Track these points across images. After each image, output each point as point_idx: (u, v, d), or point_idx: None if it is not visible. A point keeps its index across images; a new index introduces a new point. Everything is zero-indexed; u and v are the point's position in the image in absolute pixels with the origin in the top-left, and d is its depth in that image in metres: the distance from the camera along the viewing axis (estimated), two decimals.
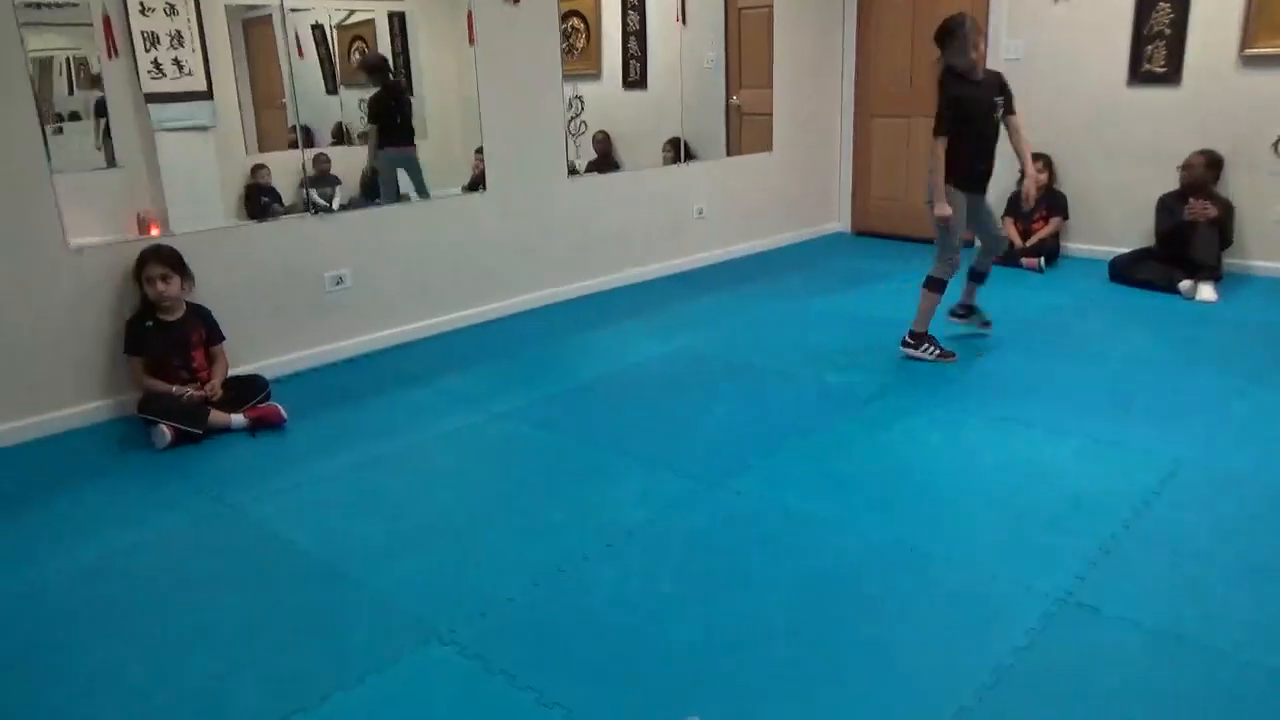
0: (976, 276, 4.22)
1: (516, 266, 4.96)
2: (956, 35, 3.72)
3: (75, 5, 3.77)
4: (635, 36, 6.19)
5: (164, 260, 3.50)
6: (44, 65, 3.91)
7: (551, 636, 2.14)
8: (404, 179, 4.87)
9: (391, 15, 4.79)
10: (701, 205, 5.97)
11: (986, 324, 4.27)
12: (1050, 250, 5.57)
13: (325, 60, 4.84)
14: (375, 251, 4.36)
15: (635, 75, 6.26)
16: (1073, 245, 5.82)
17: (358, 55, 4.98)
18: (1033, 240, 5.62)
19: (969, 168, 3.87)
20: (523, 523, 2.69)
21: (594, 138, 6.03)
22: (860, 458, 3.04)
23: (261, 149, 4.45)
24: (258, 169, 4.41)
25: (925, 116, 6.31)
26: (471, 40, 4.62)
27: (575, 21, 6.27)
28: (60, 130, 4.03)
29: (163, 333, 3.51)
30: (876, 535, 2.53)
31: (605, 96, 6.14)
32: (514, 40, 4.78)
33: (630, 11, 6.17)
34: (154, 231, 3.87)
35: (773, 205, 6.49)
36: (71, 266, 3.47)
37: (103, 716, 1.92)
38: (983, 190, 3.97)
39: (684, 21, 6.11)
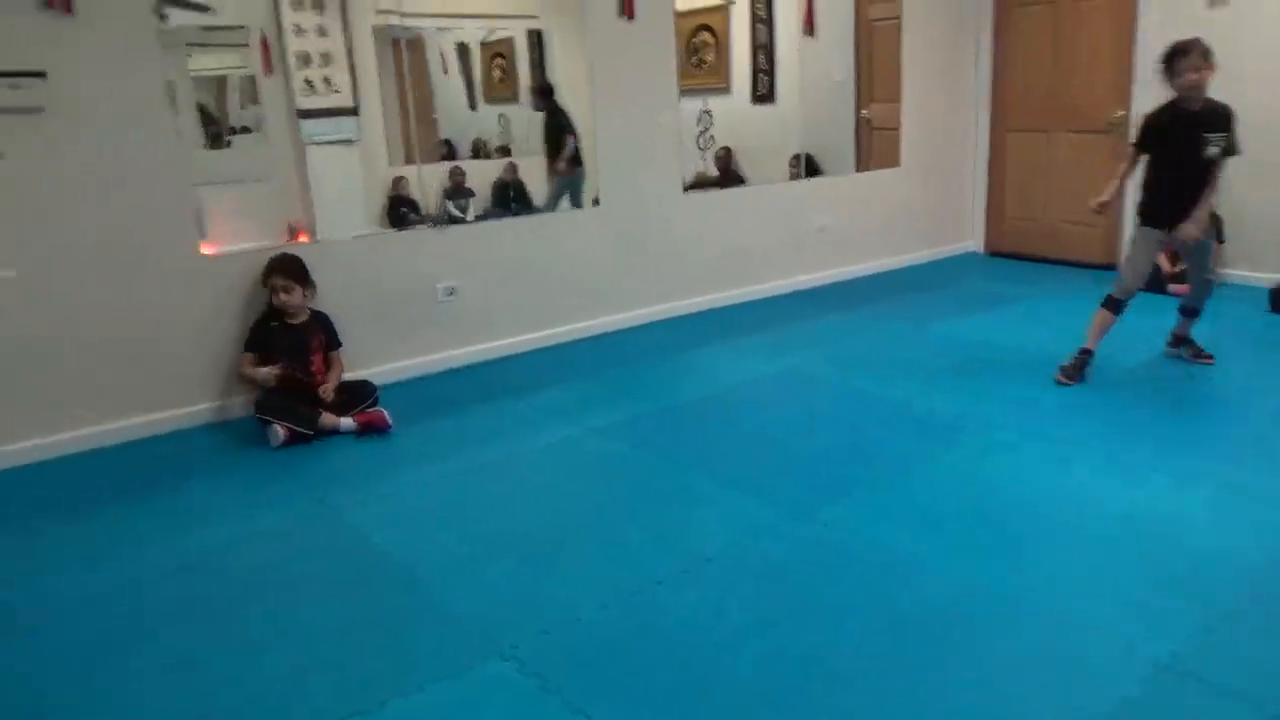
0: (1186, 311, 4.00)
1: (628, 281, 4.97)
2: (1174, 58, 3.56)
3: (243, 28, 4.05)
4: (764, 50, 6.12)
5: (286, 272, 3.68)
6: (220, 83, 4.21)
7: (613, 661, 2.11)
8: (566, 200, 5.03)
9: (530, 33, 4.92)
10: (823, 222, 5.83)
11: (1200, 356, 3.99)
12: None
13: (467, 77, 5.02)
14: (486, 264, 4.46)
15: (763, 89, 6.19)
16: (1229, 271, 5.35)
17: (498, 71, 5.14)
18: (1181, 265, 5.20)
19: (1154, 201, 3.72)
20: (601, 541, 2.67)
21: (716, 154, 6.00)
22: (961, 494, 2.87)
23: (406, 161, 4.64)
24: (398, 181, 4.60)
25: (1067, 131, 6.01)
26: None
27: (705, 35, 6.27)
28: (229, 144, 4.33)
29: (285, 335, 3.69)
30: (968, 578, 2.37)
31: (734, 111, 6.10)
32: (628, 55, 4.79)
33: (759, 25, 6.12)
34: (301, 239, 4.10)
35: (900, 223, 6.27)
36: (203, 272, 3.69)
37: (177, 707, 2.01)
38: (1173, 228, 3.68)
39: (813, 34, 6.01)
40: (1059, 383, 3.76)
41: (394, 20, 4.42)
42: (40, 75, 3.23)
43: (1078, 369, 3.79)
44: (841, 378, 4.04)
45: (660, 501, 2.93)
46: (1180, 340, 4.05)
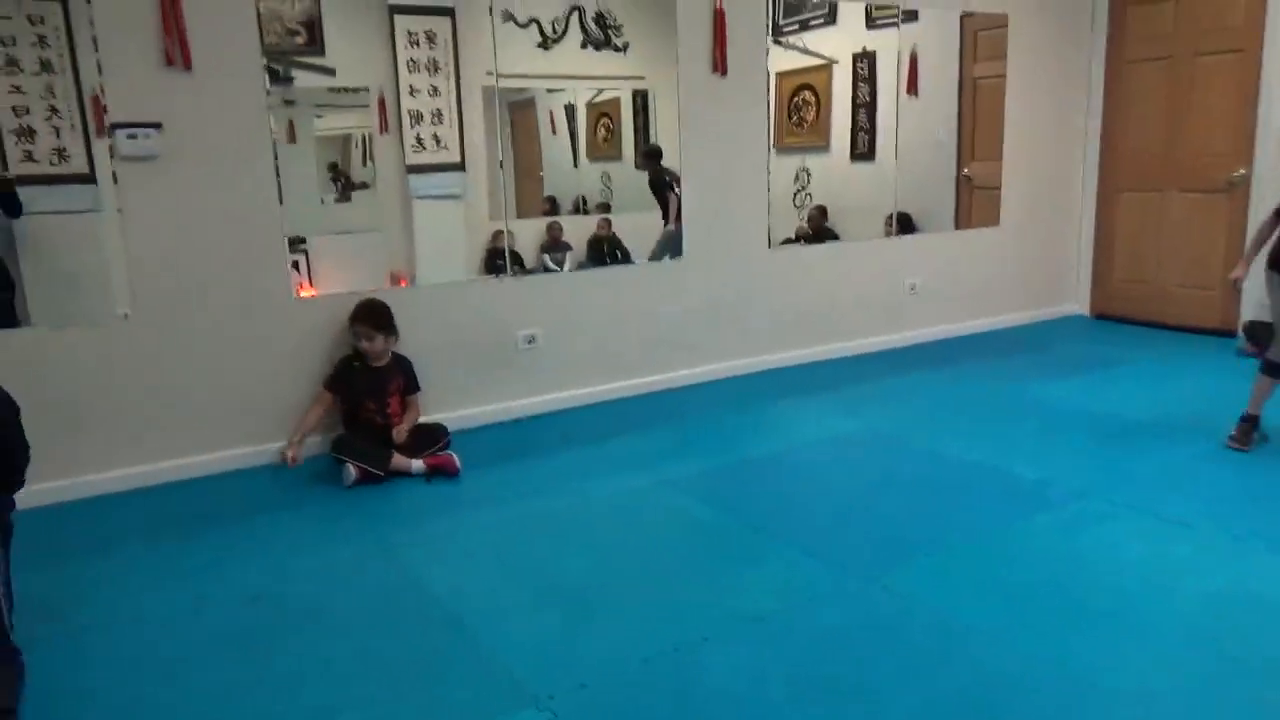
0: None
1: (710, 335, 4.93)
2: None
3: (366, 90, 4.27)
4: (865, 109, 6.07)
5: (367, 320, 3.78)
6: (344, 141, 4.44)
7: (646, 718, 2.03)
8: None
9: (635, 93, 5.03)
10: (915, 280, 5.68)
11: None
12: None
13: (573, 136, 5.16)
14: (568, 312, 4.50)
15: (863, 148, 6.12)
16: None
17: (603, 130, 5.24)
18: None
19: None
20: (651, 596, 2.60)
21: (809, 212, 5.94)
22: (1039, 565, 2.68)
23: (518, 215, 4.78)
24: (497, 234, 4.69)
25: (1182, 191, 5.72)
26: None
27: (806, 94, 6.25)
28: (349, 198, 4.53)
29: (366, 375, 3.79)
30: (1038, 654, 2.20)
31: (832, 169, 6.05)
32: (720, 110, 4.82)
33: (860, 84, 6.07)
34: (403, 285, 4.22)
35: (999, 283, 6.05)
36: (296, 314, 3.84)
37: None
38: None
39: (915, 93, 5.92)
40: (1231, 449, 3.58)
41: (505, 83, 4.57)
42: (157, 126, 3.46)
43: (1244, 436, 3.60)
44: (923, 438, 3.87)
45: (719, 557, 2.84)
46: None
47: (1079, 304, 6.41)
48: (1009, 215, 6.02)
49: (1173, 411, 4.09)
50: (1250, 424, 3.61)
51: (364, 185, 4.43)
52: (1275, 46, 5.16)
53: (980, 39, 5.94)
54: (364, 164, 4.44)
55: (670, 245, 5.06)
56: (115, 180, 3.43)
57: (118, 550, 3.04)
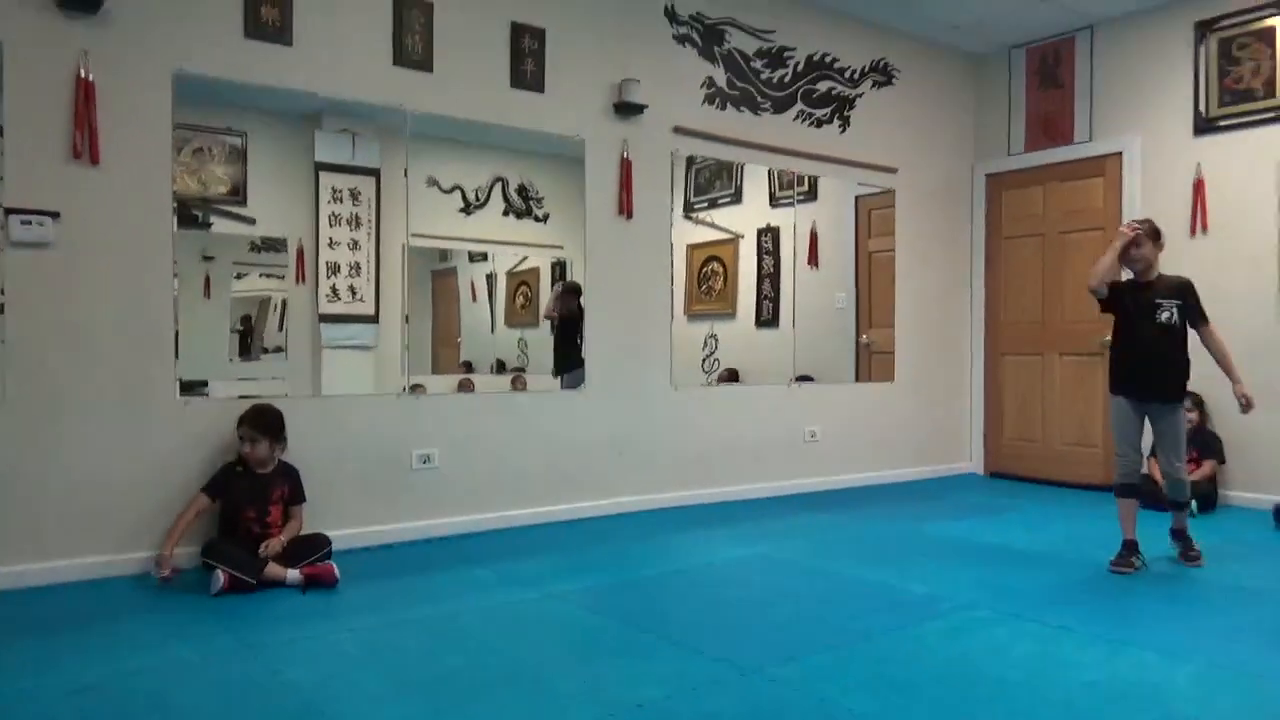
0: (1172, 504, 3.94)
1: (610, 469, 4.91)
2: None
3: (284, 240, 4.34)
4: (769, 279, 6.39)
5: (255, 424, 3.66)
6: (262, 304, 4.45)
7: None
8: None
9: (554, 263, 5.22)
10: (815, 428, 5.81)
11: (1188, 556, 3.87)
12: (1204, 495, 4.98)
13: (492, 303, 5.28)
14: (467, 434, 4.44)
15: (768, 315, 6.40)
16: (1233, 493, 5.19)
17: (521, 299, 5.35)
18: None
19: (1123, 371, 3.83)
20: (528, 689, 2.44)
21: (719, 376, 6.10)
22: (926, 662, 2.63)
23: (434, 370, 4.79)
24: (415, 388, 4.67)
25: (1060, 354, 6.10)
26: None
27: (714, 265, 6.58)
28: (259, 359, 4.47)
29: (248, 481, 3.63)
30: None
31: (739, 334, 6.28)
32: (624, 251, 5.02)
33: (765, 256, 6.43)
34: None
35: (895, 438, 6.23)
36: (179, 417, 3.71)
37: None
38: (1148, 399, 3.76)
39: (816, 265, 6.28)
40: (1114, 573, 3.66)
41: (426, 244, 4.70)
42: (54, 215, 3.44)
43: (1124, 560, 3.71)
44: (818, 563, 3.85)
45: (601, 656, 2.71)
46: (1176, 534, 3.93)
47: (972, 462, 6.61)
48: (903, 375, 6.29)
49: (1057, 547, 4.19)
50: (1128, 547, 3.73)
51: (278, 349, 4.43)
52: None
53: (874, 216, 6.42)
54: (279, 329, 4.46)
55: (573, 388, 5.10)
56: None
57: None
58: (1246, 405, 3.66)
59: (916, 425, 6.35)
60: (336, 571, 3.46)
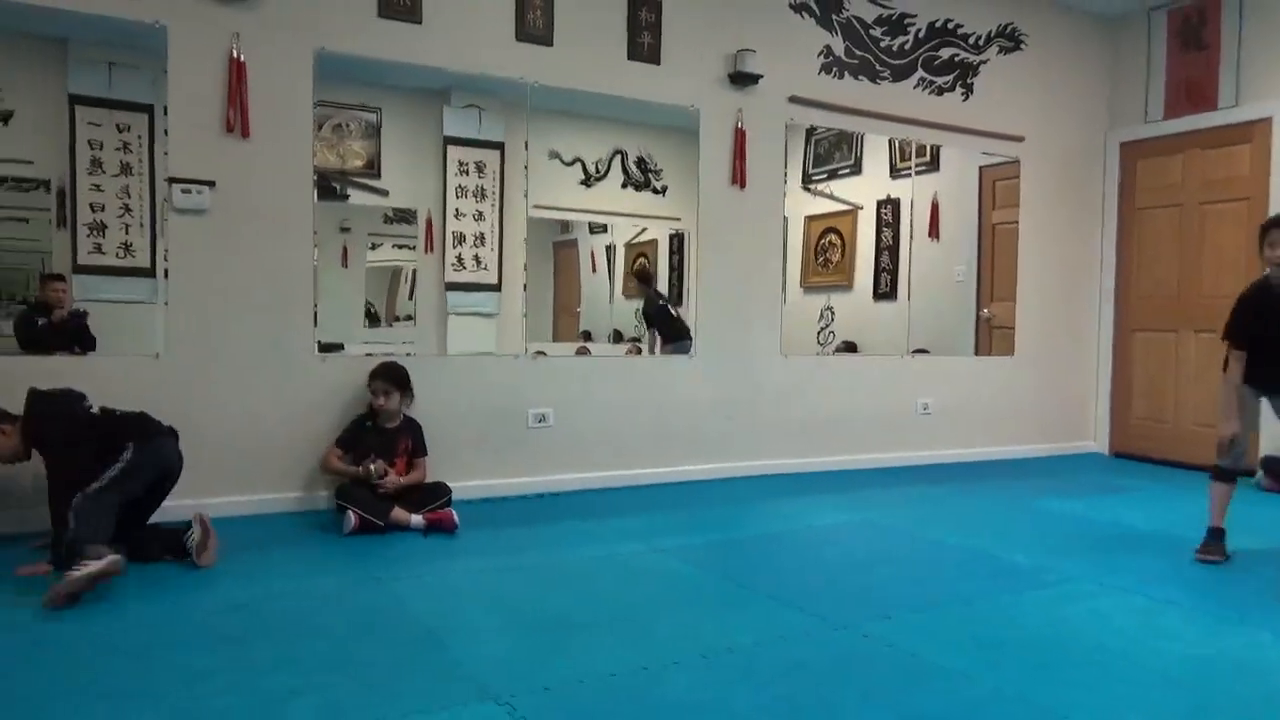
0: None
1: (719, 434, 5.01)
2: (1267, 231, 3.47)
3: (414, 211, 4.61)
4: (888, 251, 6.32)
5: (388, 377, 3.94)
6: (394, 274, 4.76)
7: (603, 718, 2.01)
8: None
9: (672, 235, 5.34)
10: (927, 401, 5.74)
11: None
12: None
13: (611, 275, 5.45)
14: (580, 396, 4.62)
15: (886, 287, 6.34)
16: None
17: (637, 265, 5.52)
18: None
19: (1252, 372, 3.51)
20: (628, 630, 2.59)
21: (836, 349, 6.09)
22: (1020, 627, 2.64)
23: (554, 339, 5.00)
24: (537, 354, 4.86)
25: (1196, 331, 5.81)
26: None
27: (832, 238, 6.55)
28: (392, 325, 4.78)
29: (376, 435, 3.91)
30: (1005, 689, 2.16)
31: (856, 307, 6.25)
32: (738, 219, 5.08)
33: (884, 228, 6.36)
34: None
35: (1014, 413, 6.09)
36: (316, 370, 4.02)
37: (183, 704, 2.06)
38: (1273, 391, 3.52)
39: (937, 237, 6.18)
40: (1201, 562, 3.41)
41: (547, 214, 4.89)
42: (210, 184, 3.77)
43: (1211, 547, 3.46)
44: (921, 531, 3.86)
45: (698, 605, 2.84)
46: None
47: (1096, 441, 6.39)
48: (1024, 350, 6.13)
49: (1176, 528, 4.03)
50: (1214, 534, 3.49)
51: (408, 318, 4.71)
52: None
53: (999, 187, 6.24)
54: (409, 298, 4.73)
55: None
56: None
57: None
58: None
59: (1037, 401, 6.18)
60: (456, 518, 3.70)
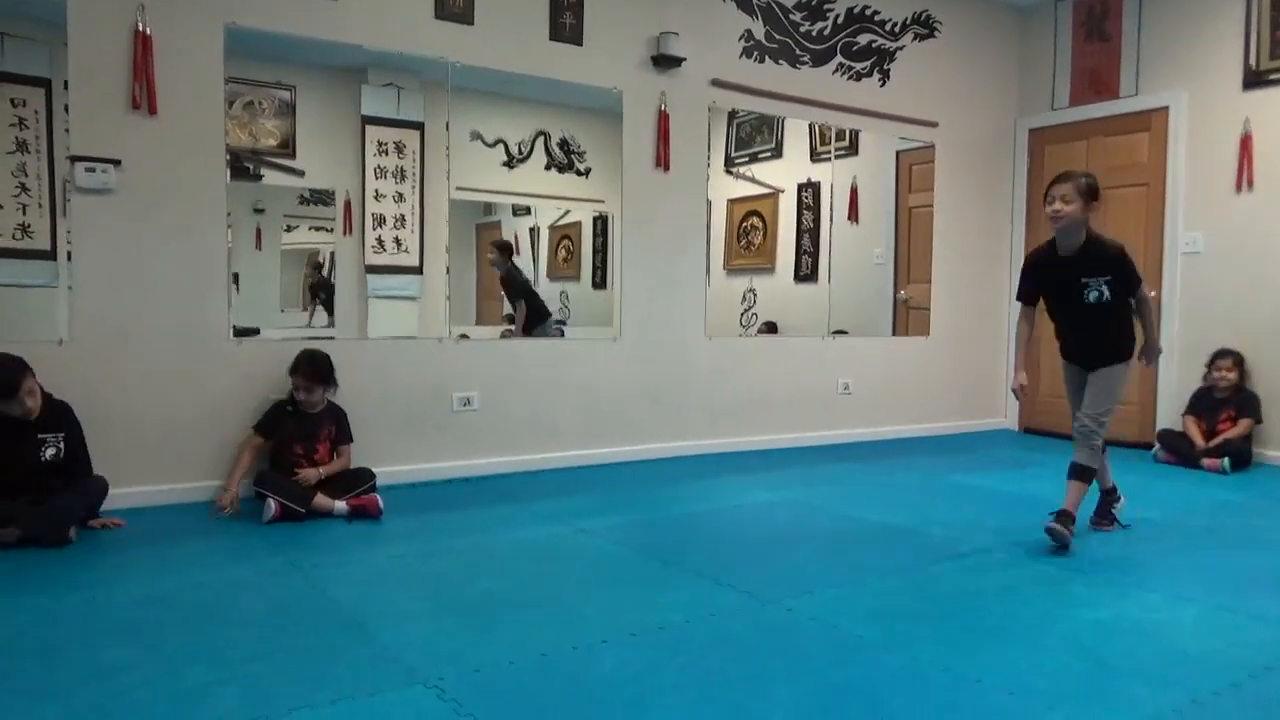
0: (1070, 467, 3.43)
1: (645, 415, 5.04)
2: (1047, 191, 3.33)
3: (332, 192, 4.49)
4: (809, 234, 6.42)
5: (307, 375, 3.82)
6: (310, 256, 4.62)
7: (535, 697, 2.03)
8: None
9: (596, 217, 5.32)
10: (848, 380, 5.88)
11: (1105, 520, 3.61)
12: (1238, 453, 4.98)
13: (534, 257, 5.40)
14: (505, 379, 4.60)
15: (807, 270, 6.44)
16: (1269, 452, 5.18)
17: (564, 252, 5.45)
18: (1216, 440, 5.06)
19: (1063, 346, 3.58)
20: (556, 611, 2.60)
21: (758, 329, 6.18)
22: (936, 598, 2.74)
23: (478, 322, 4.95)
24: (461, 339, 4.79)
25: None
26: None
27: (754, 220, 6.62)
28: (311, 311, 4.65)
29: (297, 420, 3.82)
30: (923, 657, 2.25)
31: (777, 289, 6.33)
32: (662, 201, 5.10)
33: (805, 211, 6.46)
34: None
35: (929, 392, 6.28)
36: (232, 356, 3.91)
37: (90, 700, 1.99)
38: (1089, 365, 3.43)
39: (856, 220, 6.30)
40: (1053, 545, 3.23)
41: (470, 197, 4.81)
42: (116, 163, 3.62)
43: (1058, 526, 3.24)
44: (842, 508, 3.96)
45: (625, 584, 2.86)
46: (1061, 516, 3.27)
47: (1007, 418, 6.64)
48: (938, 329, 6.32)
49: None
50: (1064, 516, 3.28)
51: (326, 302, 4.60)
52: (1177, 180, 5.63)
53: (914, 171, 6.40)
54: (328, 279, 4.62)
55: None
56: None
57: (28, 563, 2.98)
58: (1150, 359, 3.45)
59: (951, 380, 6.38)
60: (380, 503, 3.65)
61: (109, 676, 2.10)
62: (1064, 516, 3.25)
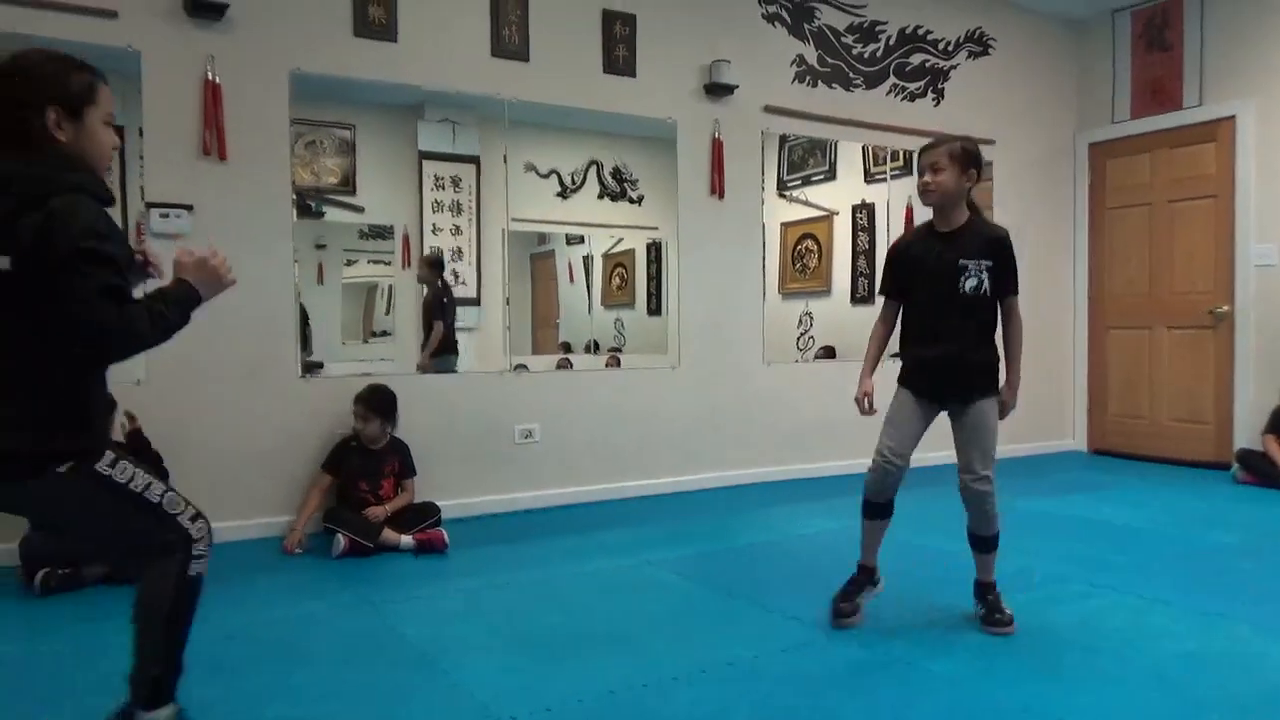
0: (972, 540, 2.88)
1: (705, 443, 5.02)
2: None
3: (391, 227, 4.59)
4: (864, 256, 6.38)
5: (368, 403, 3.89)
6: (370, 290, 4.73)
7: None
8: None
9: (649, 245, 5.35)
10: None
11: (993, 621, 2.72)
12: None
13: (589, 285, 5.45)
14: (565, 411, 4.62)
15: (863, 291, 6.39)
16: None
17: (618, 279, 5.48)
18: None
19: (910, 360, 2.89)
20: (624, 646, 2.59)
21: (816, 355, 6.13)
22: (1026, 629, 2.67)
23: (533, 351, 4.99)
24: (518, 368, 4.85)
25: (1169, 327, 5.91)
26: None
27: (808, 243, 6.60)
28: (368, 342, 4.75)
29: (362, 456, 3.88)
30: (1000, 695, 2.19)
31: (834, 312, 6.29)
32: (717, 229, 5.10)
33: (860, 233, 6.42)
34: None
35: None
36: (301, 394, 3.99)
37: None
38: (942, 397, 2.86)
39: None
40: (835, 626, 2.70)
41: (524, 228, 4.87)
42: (189, 208, 3.74)
43: (847, 596, 2.75)
44: (910, 537, 3.86)
45: (693, 618, 2.85)
46: (978, 590, 2.80)
47: (1075, 439, 6.47)
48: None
49: (1159, 523, 4.11)
50: (865, 575, 2.82)
51: (385, 333, 4.68)
52: (1247, 191, 5.47)
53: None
54: (386, 313, 4.71)
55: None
56: None
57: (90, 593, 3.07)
58: (1004, 409, 2.88)
59: (1018, 403, 6.23)
60: (446, 537, 3.69)
61: (195, 714, 2.14)
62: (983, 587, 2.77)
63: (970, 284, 2.65)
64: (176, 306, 1.83)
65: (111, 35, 3.60)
